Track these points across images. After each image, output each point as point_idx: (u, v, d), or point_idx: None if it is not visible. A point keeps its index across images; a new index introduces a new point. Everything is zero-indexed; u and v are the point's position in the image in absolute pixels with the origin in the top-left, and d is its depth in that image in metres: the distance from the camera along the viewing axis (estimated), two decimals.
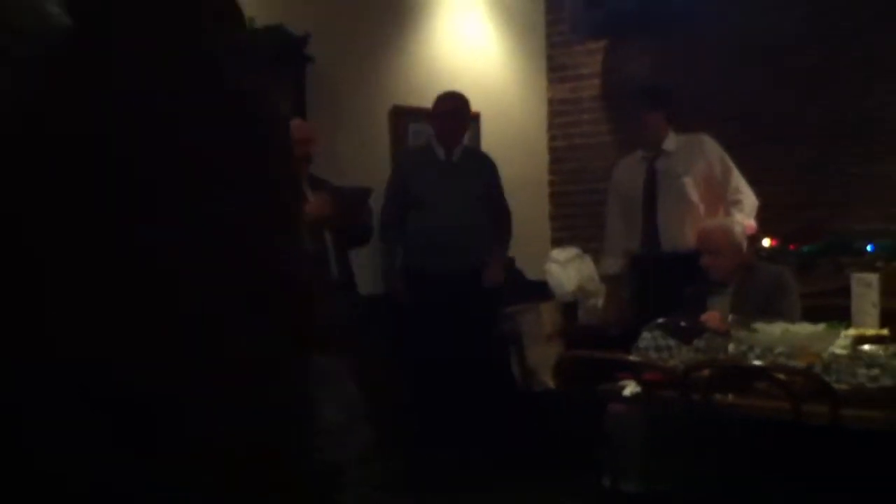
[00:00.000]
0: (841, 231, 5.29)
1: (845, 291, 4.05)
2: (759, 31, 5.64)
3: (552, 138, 6.66)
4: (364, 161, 5.38)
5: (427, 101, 5.82)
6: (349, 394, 3.05)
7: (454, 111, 5.32)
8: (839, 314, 3.79)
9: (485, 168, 5.45)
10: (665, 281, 4.57)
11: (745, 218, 4.73)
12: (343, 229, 4.78)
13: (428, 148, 5.41)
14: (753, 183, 4.92)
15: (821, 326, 3.46)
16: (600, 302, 5.57)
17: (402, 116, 5.81)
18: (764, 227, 5.03)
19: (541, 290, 5.75)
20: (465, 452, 4.90)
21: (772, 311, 3.89)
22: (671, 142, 4.98)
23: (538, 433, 4.98)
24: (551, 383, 5.02)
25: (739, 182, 4.88)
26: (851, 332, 3.51)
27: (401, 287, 5.21)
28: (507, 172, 5.64)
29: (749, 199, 4.85)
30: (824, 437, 3.00)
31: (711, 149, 4.93)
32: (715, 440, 3.32)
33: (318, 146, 4.87)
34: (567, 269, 5.77)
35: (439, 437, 5.00)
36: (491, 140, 6.17)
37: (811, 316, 3.85)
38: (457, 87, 5.83)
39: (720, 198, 4.88)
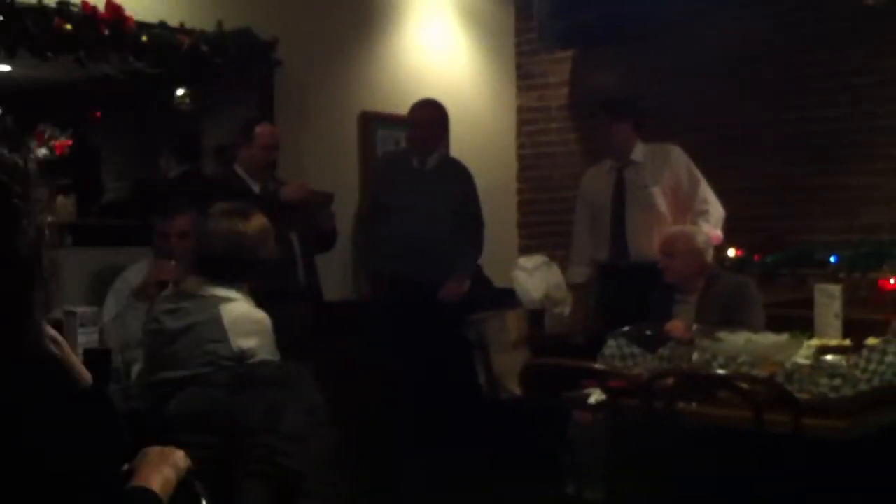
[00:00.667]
0: (803, 242, 5.35)
1: (807, 302, 4.09)
2: (723, 44, 5.69)
3: (520, 146, 6.68)
4: (332, 166, 5.37)
5: (396, 108, 5.82)
6: (313, 399, 3.05)
7: (425, 121, 5.30)
8: (801, 324, 3.83)
9: (459, 178, 5.43)
10: (632, 290, 4.59)
11: (711, 228, 4.76)
12: (309, 234, 4.77)
13: (405, 154, 5.40)
14: (718, 193, 4.96)
15: (784, 336, 3.48)
16: (567, 310, 5.57)
17: (371, 122, 5.80)
18: (729, 238, 5.07)
19: (508, 298, 5.75)
20: (430, 460, 4.89)
21: (735, 321, 3.92)
22: (639, 152, 5.00)
23: (503, 440, 4.98)
24: (517, 391, 5.02)
25: (707, 193, 4.92)
26: (814, 342, 3.55)
27: (371, 288, 5.19)
28: (475, 180, 5.63)
29: (716, 210, 4.89)
30: (785, 445, 3.03)
31: (678, 159, 4.97)
32: (678, 448, 3.33)
33: (283, 151, 4.89)
34: (534, 277, 5.79)
35: (404, 444, 5.00)
36: (459, 147, 6.17)
37: (773, 326, 3.88)
38: (426, 93, 5.83)
39: (687, 208, 4.91)
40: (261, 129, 4.74)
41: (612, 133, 4.99)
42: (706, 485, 3.37)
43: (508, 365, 5.15)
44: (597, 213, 5.08)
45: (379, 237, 5.22)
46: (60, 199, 5.74)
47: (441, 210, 5.24)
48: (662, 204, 4.89)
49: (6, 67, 4.78)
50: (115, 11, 4.47)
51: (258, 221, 3.17)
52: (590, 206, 5.15)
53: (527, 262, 5.90)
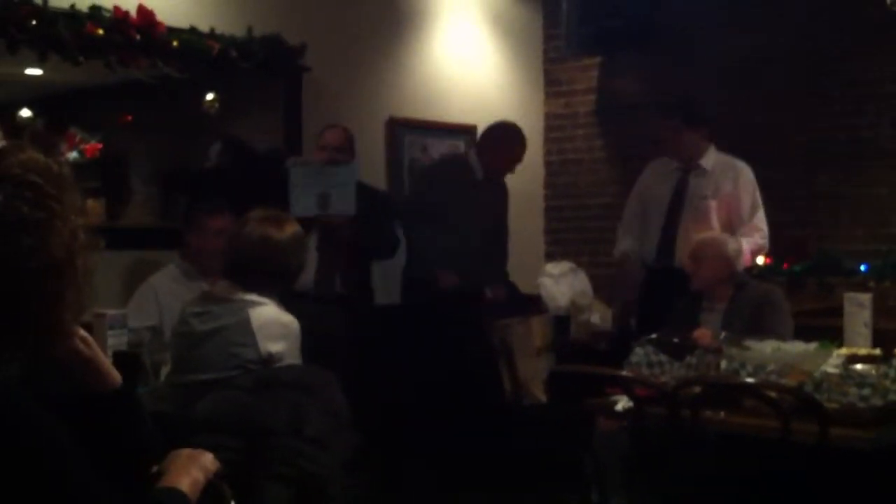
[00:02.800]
0: (830, 251, 5.31)
1: (835, 311, 4.06)
2: (749, 51, 5.67)
3: (547, 153, 6.67)
4: (359, 171, 5.36)
5: (423, 113, 5.86)
6: (336, 403, 3.05)
7: (520, 150, 5.41)
8: (829, 333, 3.80)
9: (503, 187, 5.51)
10: (675, 294, 4.53)
11: (748, 250, 4.70)
12: (355, 243, 4.79)
13: (464, 162, 5.38)
14: None
15: (812, 345, 3.46)
16: (593, 317, 5.58)
17: (398, 128, 5.82)
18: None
19: (534, 304, 5.74)
20: (452, 465, 4.88)
21: (762, 329, 3.90)
22: (710, 159, 4.94)
23: (527, 446, 4.97)
24: (542, 397, 5.02)
25: (761, 222, 4.86)
26: (843, 351, 3.52)
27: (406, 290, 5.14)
28: None
29: (762, 239, 4.83)
30: (813, 455, 3.00)
31: (747, 180, 4.89)
32: (703, 457, 3.32)
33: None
34: (560, 284, 5.77)
35: (425, 449, 4.99)
36: None
37: (801, 334, 3.86)
38: (452, 100, 5.88)
39: (736, 228, 4.84)
40: (325, 133, 4.88)
41: (682, 139, 4.91)
42: (732, 494, 3.35)
43: (533, 371, 5.14)
44: (650, 209, 5.02)
45: (428, 242, 5.17)
46: (90, 202, 5.80)
47: (493, 220, 5.37)
48: (715, 219, 4.83)
49: (38, 71, 4.82)
50: (146, 16, 4.51)
51: (291, 229, 3.17)
52: (645, 200, 5.09)
53: (553, 268, 5.88)
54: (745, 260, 4.61)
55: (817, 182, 5.51)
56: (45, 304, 1.33)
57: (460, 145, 6.06)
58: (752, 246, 4.80)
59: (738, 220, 4.86)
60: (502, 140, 5.38)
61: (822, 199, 5.50)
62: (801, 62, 5.55)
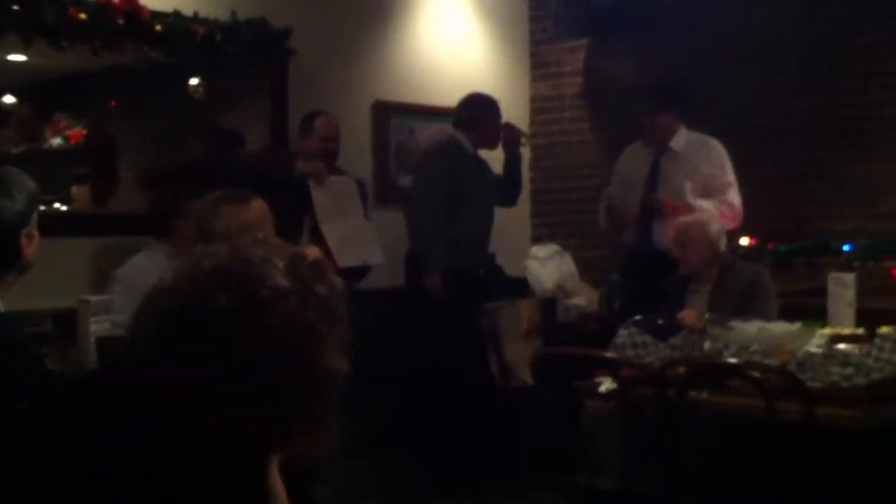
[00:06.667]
0: (819, 231, 5.32)
1: (821, 291, 4.08)
2: (742, 31, 5.65)
3: (533, 135, 6.66)
4: (345, 155, 5.36)
5: (409, 96, 5.84)
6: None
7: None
8: (816, 313, 3.82)
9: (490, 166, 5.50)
10: (656, 276, 4.55)
11: (715, 207, 4.70)
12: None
13: (456, 143, 5.32)
14: (738, 180, 4.92)
15: (796, 325, 3.48)
16: (580, 299, 5.60)
17: (384, 111, 5.80)
18: (747, 225, 5.04)
19: (521, 287, 5.75)
20: (440, 448, 4.90)
21: (748, 310, 3.91)
22: (680, 140, 4.94)
23: (515, 429, 4.99)
24: (529, 379, 5.03)
25: (735, 198, 4.86)
26: (827, 331, 3.54)
27: (445, 284, 5.03)
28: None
29: (735, 204, 4.83)
30: (797, 434, 3.03)
31: (718, 157, 4.89)
32: (690, 437, 3.34)
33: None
34: (546, 267, 5.77)
35: (414, 432, 5.01)
36: None
37: (788, 314, 3.87)
38: (439, 82, 5.87)
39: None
40: (319, 122, 4.93)
41: (657, 122, 4.93)
42: (718, 472, 3.38)
43: (521, 354, 5.15)
44: (628, 192, 5.05)
45: (456, 228, 5.14)
46: (75, 188, 5.78)
47: (492, 196, 5.39)
48: (692, 199, 4.84)
49: (22, 57, 4.80)
50: (130, 0, 4.49)
51: (258, 204, 3.16)
52: (622, 184, 5.12)
53: (539, 250, 5.89)
54: (724, 220, 4.60)
55: (808, 162, 5.48)
56: (300, 414, 1.29)
57: (447, 128, 6.04)
58: (721, 206, 4.76)
59: (713, 194, 4.88)
60: (487, 110, 5.36)
61: (815, 179, 5.46)
62: (797, 41, 5.47)
